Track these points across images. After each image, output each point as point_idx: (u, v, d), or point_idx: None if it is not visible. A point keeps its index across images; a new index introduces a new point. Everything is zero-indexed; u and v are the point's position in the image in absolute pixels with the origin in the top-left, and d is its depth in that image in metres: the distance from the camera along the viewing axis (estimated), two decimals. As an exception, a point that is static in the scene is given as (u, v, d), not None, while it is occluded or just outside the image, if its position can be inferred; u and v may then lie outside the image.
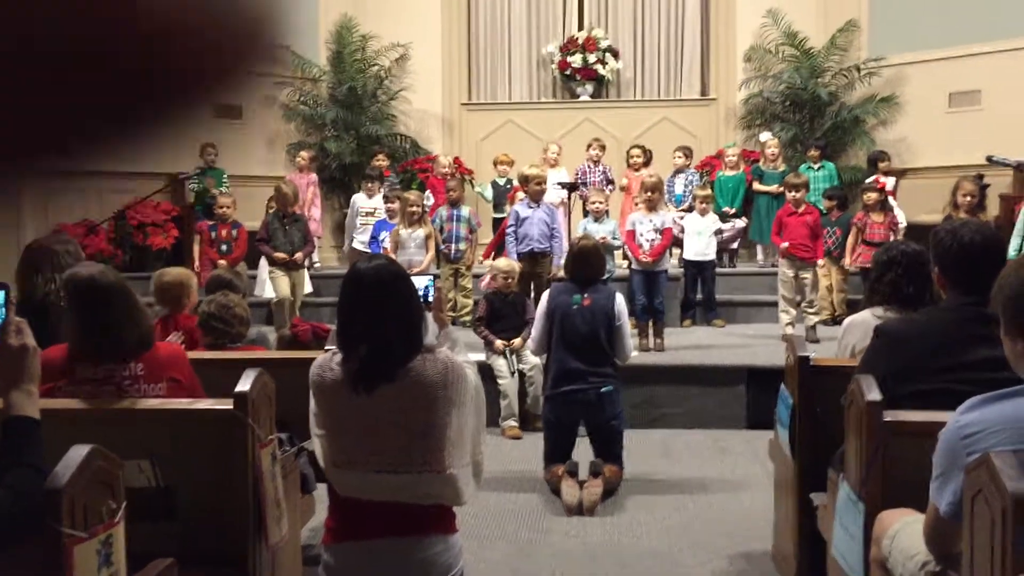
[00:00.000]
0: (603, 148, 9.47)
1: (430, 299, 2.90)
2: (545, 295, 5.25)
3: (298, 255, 7.97)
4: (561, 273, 5.78)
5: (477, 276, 8.17)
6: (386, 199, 8.38)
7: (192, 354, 3.54)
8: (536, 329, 5.19)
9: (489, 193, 9.60)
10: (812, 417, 3.62)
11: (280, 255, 7.87)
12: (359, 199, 9.29)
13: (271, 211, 8.24)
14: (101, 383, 3.05)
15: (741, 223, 9.51)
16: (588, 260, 5.15)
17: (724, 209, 9.45)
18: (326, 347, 2.89)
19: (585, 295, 5.07)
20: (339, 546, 2.52)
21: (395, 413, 2.44)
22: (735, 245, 9.26)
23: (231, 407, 2.88)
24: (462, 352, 2.76)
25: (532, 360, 6.35)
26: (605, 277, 7.44)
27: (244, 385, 2.90)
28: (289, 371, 3.76)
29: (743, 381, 6.70)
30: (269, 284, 8.28)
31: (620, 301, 5.11)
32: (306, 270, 8.57)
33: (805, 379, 3.64)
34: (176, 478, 2.87)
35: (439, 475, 2.44)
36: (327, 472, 2.55)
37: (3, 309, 2.06)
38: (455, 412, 2.48)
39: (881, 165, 9.47)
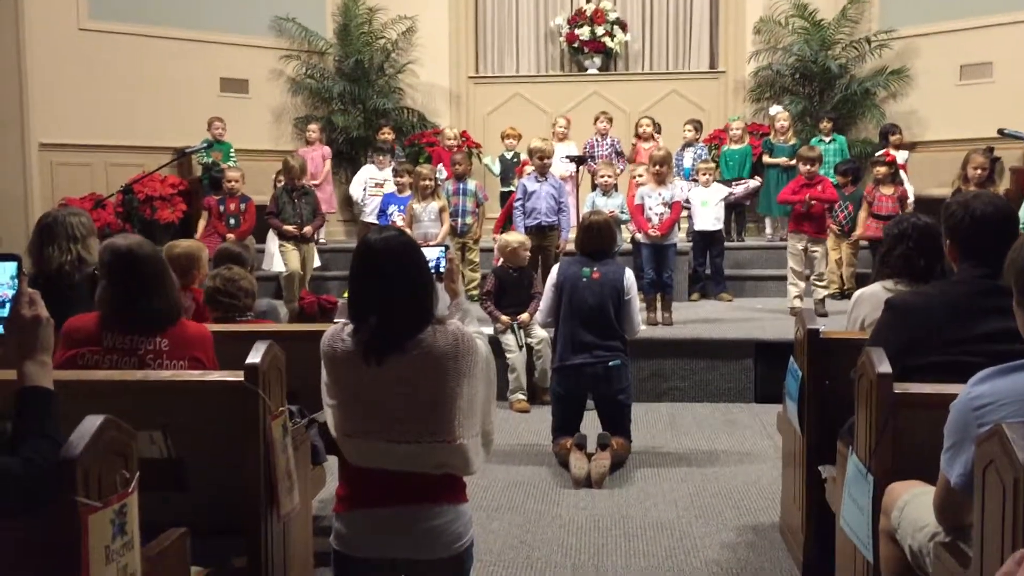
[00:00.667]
0: (611, 121, 9.44)
1: (442, 270, 2.90)
2: (555, 268, 5.25)
3: (307, 228, 7.96)
4: (570, 247, 5.77)
5: (485, 250, 8.16)
6: (395, 172, 8.36)
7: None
8: (545, 300, 5.21)
9: (497, 167, 9.57)
10: (821, 390, 3.61)
11: (289, 228, 7.87)
12: (369, 170, 9.28)
13: (279, 185, 8.23)
14: (125, 354, 3.07)
15: (755, 182, 9.43)
16: (599, 234, 5.15)
17: (732, 183, 9.40)
18: (335, 319, 2.89)
19: (595, 268, 5.07)
20: (350, 514, 2.54)
21: (405, 384, 2.46)
22: (747, 203, 9.17)
23: (242, 379, 2.88)
24: (473, 323, 2.77)
25: (540, 334, 6.36)
26: (613, 253, 7.57)
27: (255, 357, 2.91)
28: (299, 344, 3.76)
29: (751, 355, 6.71)
30: (278, 258, 8.28)
31: (630, 276, 5.12)
32: (314, 244, 8.56)
33: (815, 352, 3.64)
34: (188, 449, 2.88)
35: (449, 445, 2.46)
36: (339, 441, 2.57)
37: (16, 280, 2.06)
38: (465, 383, 2.49)
39: (892, 138, 9.41)
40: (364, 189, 9.27)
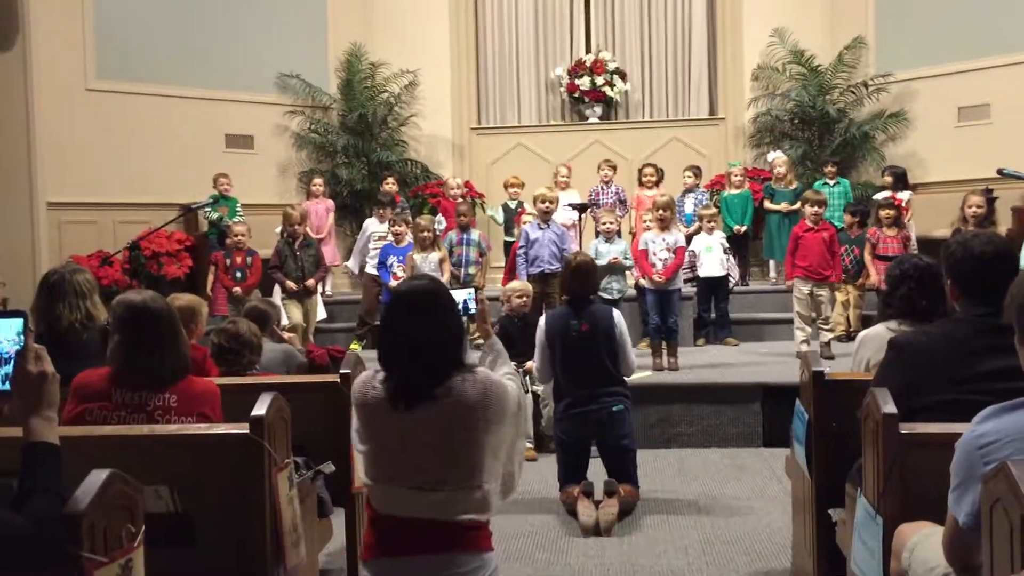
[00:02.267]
0: (614, 168, 9.51)
1: (471, 311, 2.94)
2: (541, 323, 5.23)
3: (310, 282, 8.00)
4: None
5: (491, 299, 8.18)
6: (392, 223, 8.40)
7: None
8: (538, 359, 5.19)
9: (500, 216, 9.62)
10: (828, 432, 3.60)
11: (291, 285, 7.91)
12: (371, 224, 9.34)
13: (282, 237, 8.28)
14: (135, 410, 3.09)
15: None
16: (586, 275, 5.17)
17: (736, 228, 9.44)
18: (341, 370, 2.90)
19: (582, 320, 5.07)
20: (376, 562, 2.56)
21: (434, 432, 2.50)
22: (732, 283, 9.22)
23: (247, 431, 2.89)
24: (505, 364, 2.82)
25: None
26: (617, 297, 7.60)
27: (260, 409, 2.92)
28: (305, 395, 3.80)
29: (758, 399, 6.69)
30: (283, 311, 8.32)
31: (618, 317, 5.12)
32: (319, 296, 8.58)
33: (820, 394, 3.63)
34: (195, 503, 2.88)
35: (474, 491, 2.51)
36: (367, 487, 2.60)
37: (21, 337, 2.08)
38: (494, 429, 2.54)
39: (886, 179, 9.45)
40: (367, 243, 9.30)
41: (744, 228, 9.51)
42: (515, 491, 2.72)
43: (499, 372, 2.73)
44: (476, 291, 3.04)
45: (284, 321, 8.27)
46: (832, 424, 3.59)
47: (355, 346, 8.86)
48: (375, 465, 2.55)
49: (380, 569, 2.54)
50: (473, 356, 2.74)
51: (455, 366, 2.55)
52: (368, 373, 2.64)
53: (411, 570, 2.50)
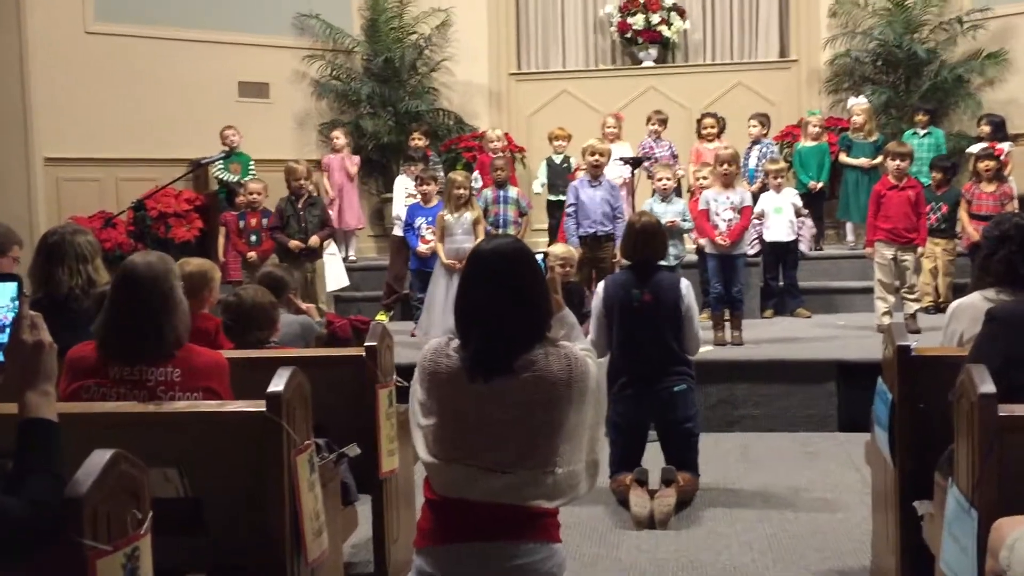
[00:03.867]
0: (663, 123, 9.35)
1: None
2: (599, 290, 5.21)
3: (313, 239, 7.95)
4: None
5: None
6: (419, 181, 8.37)
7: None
8: (593, 331, 5.15)
9: (542, 175, 9.49)
10: (914, 414, 3.56)
11: (295, 243, 7.91)
12: (403, 181, 9.30)
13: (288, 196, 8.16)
14: (135, 386, 3.11)
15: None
16: (651, 238, 5.12)
17: (810, 184, 9.32)
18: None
19: (645, 289, 5.02)
20: (434, 550, 2.59)
21: (512, 408, 2.54)
22: (807, 247, 9.09)
23: (264, 409, 2.91)
24: (580, 339, 2.85)
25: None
26: (674, 263, 7.54)
27: (277, 385, 2.94)
28: (325, 371, 3.83)
29: (833, 377, 6.64)
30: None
31: (686, 288, 5.08)
32: (329, 258, 8.58)
33: (906, 371, 3.59)
34: (206, 488, 2.91)
35: (549, 475, 2.55)
36: (427, 467, 2.64)
37: (16, 303, 2.10)
38: (575, 408, 2.57)
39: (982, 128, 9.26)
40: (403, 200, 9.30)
41: (820, 185, 9.39)
42: (595, 481, 2.74)
43: (576, 347, 2.74)
44: (545, 256, 3.05)
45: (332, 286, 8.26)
46: (920, 405, 3.55)
47: (382, 317, 8.90)
48: (442, 442, 2.59)
49: (439, 558, 2.58)
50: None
51: (538, 338, 2.59)
52: (439, 341, 2.68)
53: (475, 558, 2.54)
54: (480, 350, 2.56)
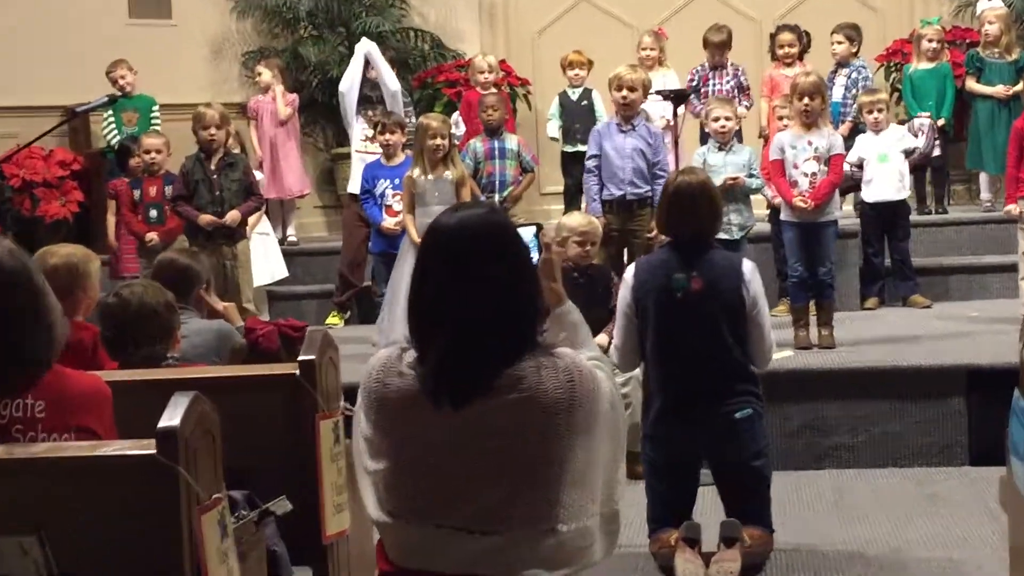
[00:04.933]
0: (725, 44, 9.28)
1: (533, 262, 2.95)
2: (627, 276, 5.17)
3: (233, 214, 7.79)
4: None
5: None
6: (380, 128, 8.33)
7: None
8: (619, 333, 5.12)
9: (556, 118, 9.46)
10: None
11: (206, 219, 7.82)
12: (361, 131, 9.27)
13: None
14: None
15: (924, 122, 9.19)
16: (693, 207, 5.09)
17: (918, 116, 9.24)
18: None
19: (693, 273, 5.00)
20: None
21: (493, 443, 2.55)
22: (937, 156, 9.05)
23: (153, 451, 2.91)
24: (588, 343, 2.89)
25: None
26: (738, 236, 7.54)
27: (171, 418, 2.92)
28: (246, 397, 3.83)
29: (962, 391, 6.64)
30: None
31: (751, 272, 5.04)
32: (259, 240, 8.58)
33: (1052, 381, 3.59)
34: (78, 561, 2.91)
35: (549, 535, 2.55)
36: (381, 528, 2.67)
37: None
38: (581, 442, 2.58)
39: None
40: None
41: (942, 122, 9.37)
42: (617, 543, 2.76)
43: (582, 356, 2.75)
44: (539, 230, 3.03)
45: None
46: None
47: (334, 319, 8.92)
48: (397, 493, 2.61)
49: None
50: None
51: (527, 345, 2.59)
52: (389, 353, 2.71)
53: None
54: (445, 365, 2.56)
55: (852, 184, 8.42)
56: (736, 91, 9.15)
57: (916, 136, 8.73)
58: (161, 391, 3.20)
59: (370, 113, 9.10)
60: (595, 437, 2.62)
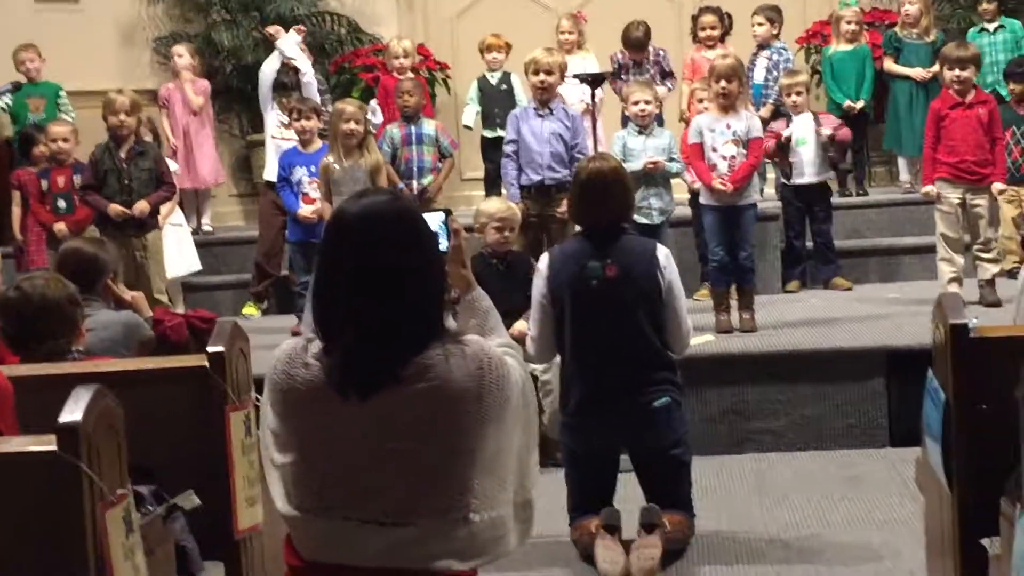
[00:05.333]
0: (643, 46, 9.29)
1: (442, 248, 2.96)
2: (541, 265, 5.18)
3: (141, 204, 7.72)
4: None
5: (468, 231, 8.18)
6: (295, 114, 8.30)
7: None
8: (535, 324, 5.13)
9: (474, 102, 9.48)
10: (976, 419, 3.61)
11: (115, 209, 7.72)
12: (275, 119, 9.23)
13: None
14: None
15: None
16: (604, 194, 5.11)
17: (846, 104, 9.40)
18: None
19: (607, 261, 5.02)
20: None
21: (401, 434, 2.54)
22: (847, 161, 9.16)
23: (54, 447, 2.89)
24: (498, 330, 2.88)
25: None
26: (658, 221, 7.59)
27: (73, 412, 2.91)
28: (153, 389, 3.82)
29: (883, 372, 6.72)
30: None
31: (665, 258, 5.08)
32: (172, 231, 8.51)
33: (963, 361, 3.65)
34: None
35: (462, 525, 2.55)
36: (288, 522, 2.64)
37: None
38: (492, 430, 2.58)
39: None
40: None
41: (861, 104, 9.48)
42: (532, 528, 2.77)
43: (492, 343, 2.76)
44: (448, 215, 3.02)
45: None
46: (981, 407, 3.60)
47: (250, 310, 8.88)
48: (304, 486, 2.60)
49: None
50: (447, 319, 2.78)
51: (433, 333, 2.59)
52: (294, 344, 2.69)
53: None
54: (352, 355, 2.55)
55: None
56: (659, 77, 9.17)
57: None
58: (64, 385, 3.18)
59: (284, 100, 9.05)
60: (506, 425, 2.62)
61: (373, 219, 2.61)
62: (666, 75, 9.29)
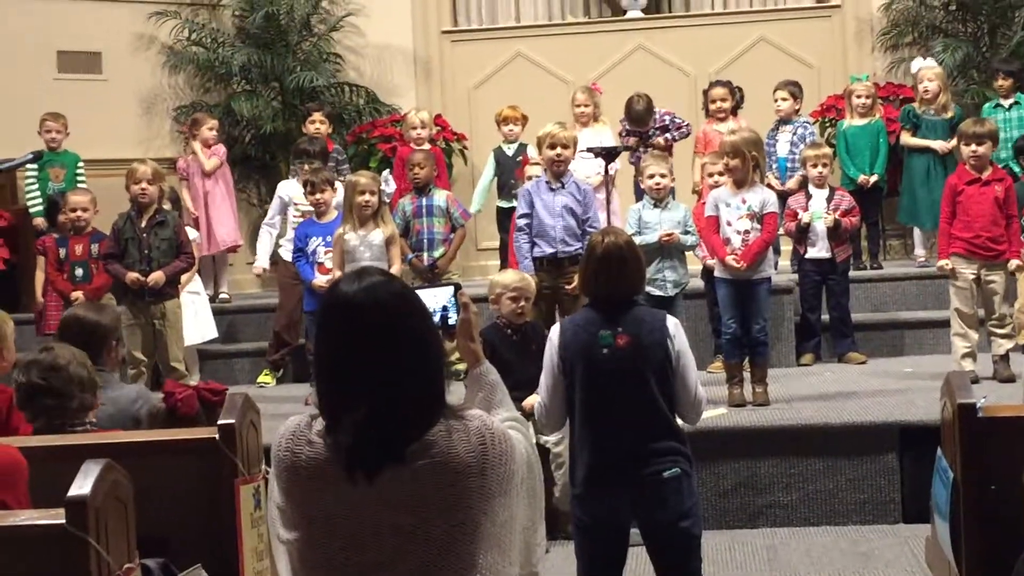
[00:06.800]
0: (644, 120, 9.30)
1: (451, 322, 2.98)
2: (553, 335, 5.19)
3: (156, 275, 7.79)
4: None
5: (477, 301, 8.17)
6: (311, 187, 8.37)
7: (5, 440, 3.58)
8: (545, 391, 5.12)
9: (490, 170, 9.57)
10: (985, 499, 3.61)
11: (133, 276, 7.79)
12: (287, 188, 9.30)
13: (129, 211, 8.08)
14: None
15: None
16: (619, 267, 5.12)
17: (860, 179, 9.43)
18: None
19: (618, 331, 5.03)
20: None
21: (405, 511, 2.54)
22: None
23: (62, 521, 2.90)
24: (505, 404, 2.89)
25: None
26: (672, 293, 7.60)
27: (81, 486, 2.93)
28: (163, 462, 3.82)
29: (895, 447, 6.69)
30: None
31: (675, 327, 5.07)
32: (189, 299, 8.55)
33: (972, 440, 3.65)
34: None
35: None
36: None
37: None
38: (496, 505, 2.59)
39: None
40: (279, 215, 9.29)
41: (874, 178, 9.51)
42: None
43: (496, 418, 2.77)
44: (457, 290, 3.04)
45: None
46: (991, 488, 3.60)
47: (266, 378, 8.88)
48: (310, 563, 2.60)
49: None
50: (454, 393, 2.81)
51: (436, 410, 2.60)
52: (299, 420, 2.69)
53: None
54: (359, 436, 2.56)
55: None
56: (670, 141, 9.21)
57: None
58: (75, 457, 3.20)
59: (305, 167, 9.14)
60: (510, 499, 2.62)
61: (371, 300, 2.62)
62: (676, 128, 9.30)
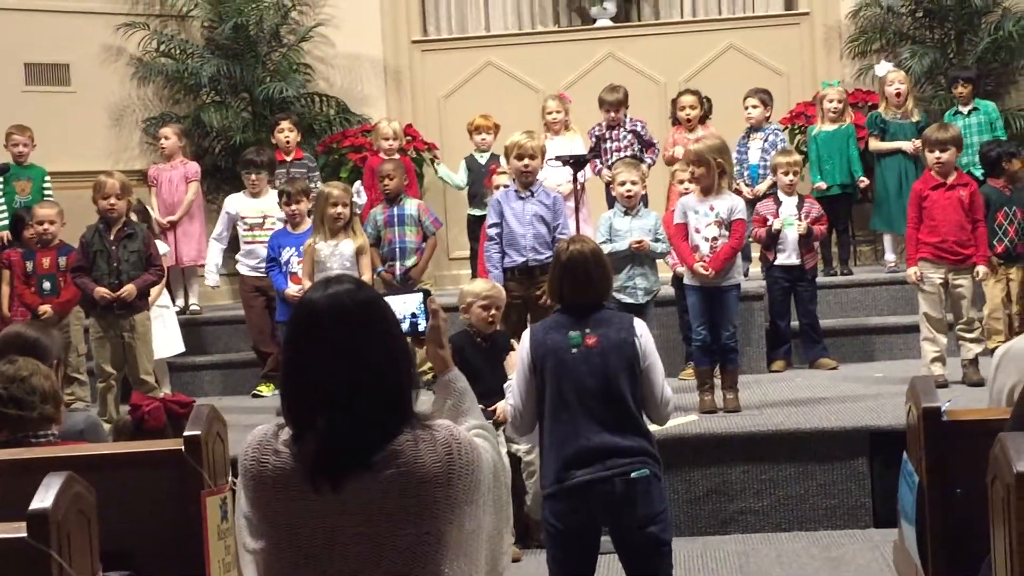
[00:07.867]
0: (620, 104, 9.39)
1: (421, 329, 2.97)
2: (525, 339, 5.20)
3: (127, 288, 7.77)
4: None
5: (448, 309, 8.16)
6: (285, 197, 8.36)
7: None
8: (516, 394, 5.13)
9: (461, 176, 9.61)
10: (949, 502, 3.62)
11: (103, 292, 7.77)
12: (235, 203, 9.31)
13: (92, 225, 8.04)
14: None
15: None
16: (585, 274, 5.14)
17: (817, 185, 9.49)
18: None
19: (587, 331, 5.05)
20: None
21: (371, 519, 2.54)
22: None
23: (24, 534, 2.89)
24: (473, 412, 2.89)
25: (532, 437, 6.35)
26: (643, 300, 7.61)
27: (43, 500, 2.91)
28: (129, 474, 3.80)
29: (865, 452, 6.72)
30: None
31: (641, 327, 5.10)
32: (159, 312, 8.53)
33: (936, 444, 3.67)
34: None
35: None
36: None
37: None
38: (462, 514, 2.60)
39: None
40: (227, 231, 9.32)
41: (866, 181, 9.55)
42: None
43: (464, 425, 2.78)
44: (426, 296, 3.02)
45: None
46: (955, 491, 3.62)
47: (265, 389, 8.85)
48: (276, 572, 2.60)
49: None
50: (423, 400, 2.79)
51: (403, 419, 2.60)
52: (265, 430, 2.68)
53: None
54: (323, 446, 2.56)
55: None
56: (637, 145, 9.23)
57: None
58: (38, 470, 3.19)
59: (253, 177, 9.17)
60: (477, 508, 2.63)
61: (339, 308, 2.63)
62: (645, 145, 9.34)
